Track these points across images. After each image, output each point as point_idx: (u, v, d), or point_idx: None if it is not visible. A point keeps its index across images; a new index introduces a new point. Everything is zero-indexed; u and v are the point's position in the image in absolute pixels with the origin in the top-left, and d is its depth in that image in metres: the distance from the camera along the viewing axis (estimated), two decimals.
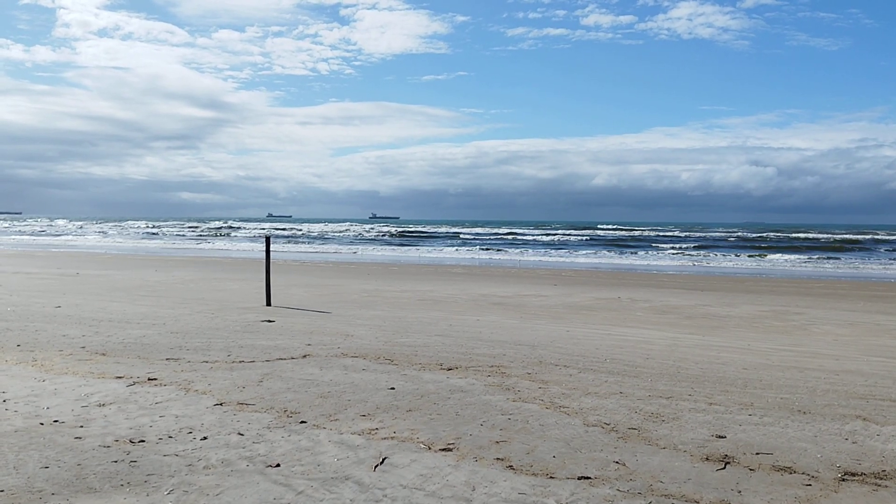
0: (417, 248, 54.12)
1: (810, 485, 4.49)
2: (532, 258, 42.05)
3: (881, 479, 4.64)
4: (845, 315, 15.12)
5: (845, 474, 4.70)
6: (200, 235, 70.62)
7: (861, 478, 4.65)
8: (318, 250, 49.11)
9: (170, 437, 5.21)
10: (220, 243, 57.40)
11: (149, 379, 7.07)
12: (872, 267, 35.60)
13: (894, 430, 5.81)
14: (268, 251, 15.04)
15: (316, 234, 73.94)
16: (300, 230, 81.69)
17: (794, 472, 4.73)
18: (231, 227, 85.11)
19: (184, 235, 69.51)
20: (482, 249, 51.83)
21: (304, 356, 8.45)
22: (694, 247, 53.77)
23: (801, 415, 6.23)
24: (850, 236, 65.47)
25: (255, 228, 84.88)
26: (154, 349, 8.72)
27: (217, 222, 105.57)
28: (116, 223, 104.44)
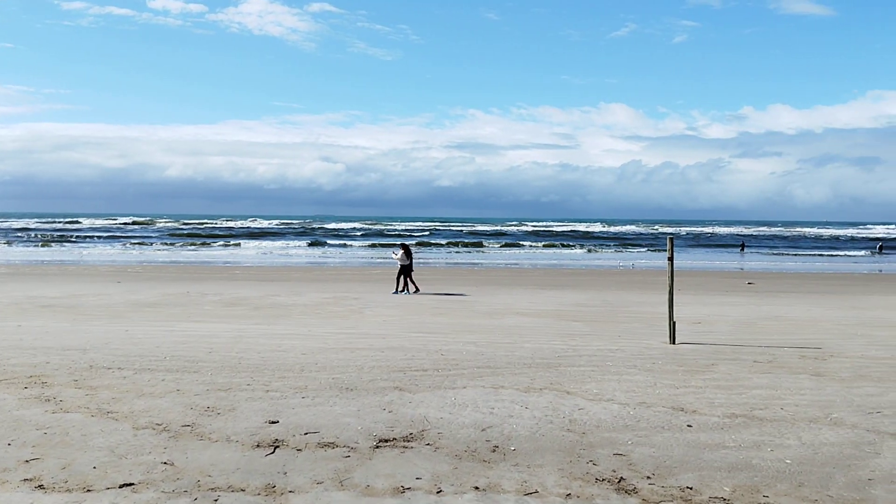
0: None
1: (349, 456, 4.88)
2: (95, 255, 38.65)
3: (409, 441, 5.25)
4: (395, 298, 16.88)
5: (380, 442, 5.22)
6: None
7: (393, 443, 5.21)
8: None
9: None
10: None
11: None
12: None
13: (423, 396, 6.65)
14: None
15: None
16: None
17: (337, 446, 5.10)
18: None
19: None
20: (36, 245, 45.98)
21: None
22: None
23: (348, 392, 6.75)
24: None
25: None
26: None
27: None
28: None
